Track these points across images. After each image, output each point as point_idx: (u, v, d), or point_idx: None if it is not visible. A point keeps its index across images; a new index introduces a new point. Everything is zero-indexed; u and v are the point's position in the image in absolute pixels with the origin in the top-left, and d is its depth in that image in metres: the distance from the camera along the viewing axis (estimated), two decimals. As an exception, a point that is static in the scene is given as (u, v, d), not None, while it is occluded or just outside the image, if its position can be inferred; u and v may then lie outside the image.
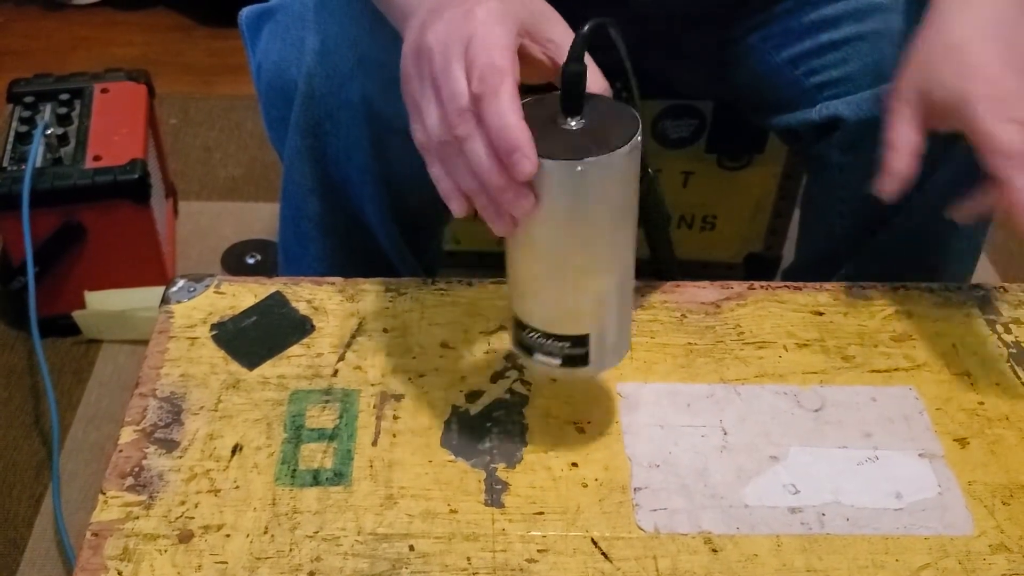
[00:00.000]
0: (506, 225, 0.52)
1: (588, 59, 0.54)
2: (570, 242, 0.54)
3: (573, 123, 0.52)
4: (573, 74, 0.52)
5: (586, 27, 0.52)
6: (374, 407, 0.64)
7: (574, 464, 0.62)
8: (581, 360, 0.58)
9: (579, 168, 0.50)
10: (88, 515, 0.58)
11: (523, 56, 0.54)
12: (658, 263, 0.73)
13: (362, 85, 0.71)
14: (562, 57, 0.53)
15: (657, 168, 1.18)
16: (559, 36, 0.56)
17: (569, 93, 0.52)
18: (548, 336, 0.57)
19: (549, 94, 0.54)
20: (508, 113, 0.49)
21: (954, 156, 0.74)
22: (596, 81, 0.55)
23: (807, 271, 0.76)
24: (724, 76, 0.94)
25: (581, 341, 0.57)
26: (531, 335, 0.57)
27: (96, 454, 1.13)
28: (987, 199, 0.65)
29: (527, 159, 0.49)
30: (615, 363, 0.60)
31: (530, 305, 0.57)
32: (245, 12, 0.78)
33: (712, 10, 0.88)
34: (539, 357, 0.58)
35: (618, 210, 0.54)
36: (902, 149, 0.66)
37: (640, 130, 0.52)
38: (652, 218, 0.70)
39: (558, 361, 0.58)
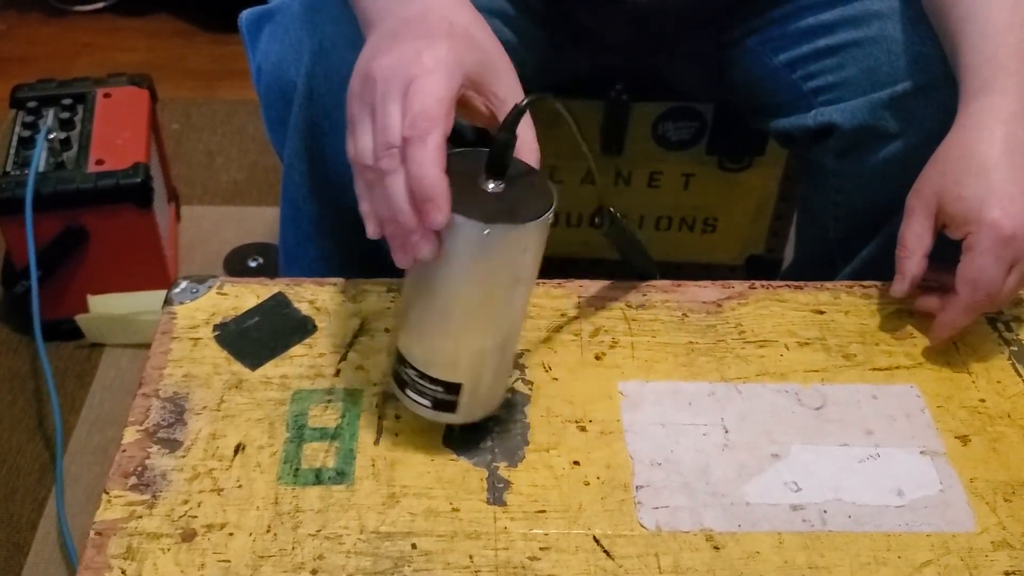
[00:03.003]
0: (407, 260, 0.54)
1: (527, 127, 0.56)
2: (464, 296, 0.56)
3: (492, 186, 0.54)
4: (501, 142, 0.54)
5: (524, 100, 0.54)
6: (376, 406, 0.64)
7: (576, 462, 0.62)
8: (450, 407, 0.60)
9: (486, 232, 0.52)
10: (91, 518, 0.58)
11: (466, 104, 0.56)
12: (637, 269, 0.74)
13: (360, 86, 0.71)
14: (503, 114, 0.55)
15: (657, 171, 1.19)
16: (504, 91, 0.57)
17: (495, 158, 0.54)
18: (423, 376, 0.59)
19: (481, 150, 0.55)
20: (430, 163, 0.51)
21: None
22: (529, 151, 0.57)
23: (804, 275, 0.76)
24: (722, 78, 0.94)
25: (454, 389, 0.59)
26: (408, 371, 0.59)
27: (99, 457, 1.13)
28: (932, 300, 0.70)
29: (439, 211, 0.51)
30: (481, 416, 0.62)
31: (413, 343, 0.59)
32: (245, 14, 0.78)
33: (709, 12, 0.88)
34: (411, 394, 0.60)
35: (515, 278, 0.56)
36: (915, 252, 0.68)
37: (553, 208, 0.54)
38: (632, 259, 0.73)
39: (428, 403, 0.60)
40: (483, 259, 0.54)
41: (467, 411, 0.60)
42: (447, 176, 0.51)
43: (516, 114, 0.54)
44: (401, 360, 0.60)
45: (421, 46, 0.53)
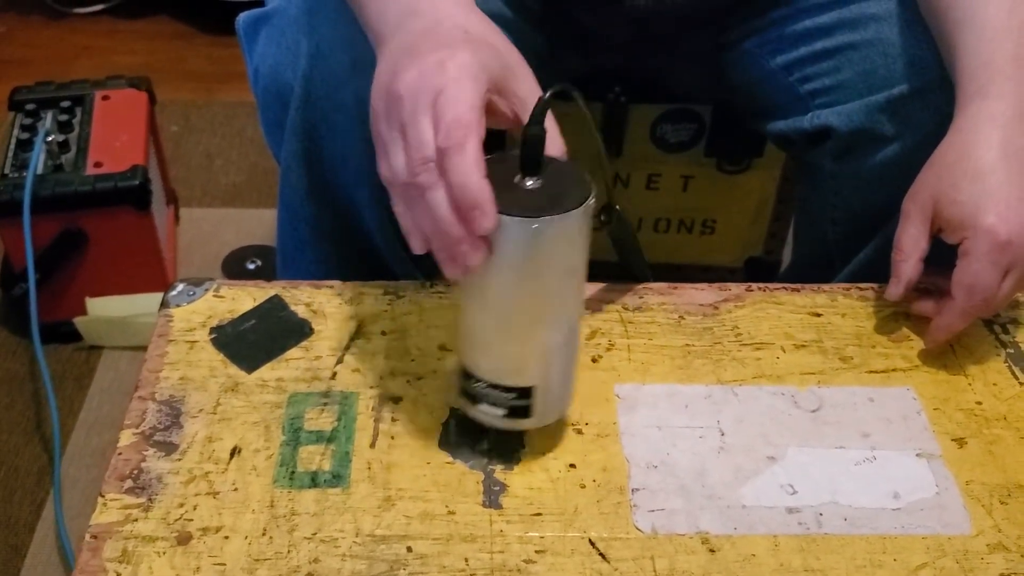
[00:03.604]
0: (458, 271, 0.54)
1: (550, 120, 0.56)
2: (520, 295, 0.56)
3: (530, 183, 0.54)
4: (533, 137, 0.54)
5: (548, 93, 0.54)
6: (372, 409, 0.64)
7: (572, 465, 0.62)
8: (524, 412, 0.60)
9: (535, 226, 0.52)
10: (89, 520, 0.58)
11: (489, 109, 0.56)
12: (631, 270, 0.74)
13: (357, 88, 0.71)
14: (526, 114, 0.55)
15: (655, 172, 1.19)
16: (525, 92, 0.57)
17: (528, 154, 0.54)
18: (494, 387, 0.59)
19: (511, 152, 0.55)
20: (471, 170, 0.50)
21: None
22: (555, 144, 0.57)
23: (802, 277, 0.77)
24: (720, 80, 0.94)
25: (526, 393, 0.59)
26: (477, 385, 0.59)
27: (97, 460, 1.13)
28: (927, 304, 0.70)
29: (486, 216, 0.51)
30: (557, 417, 0.62)
31: (478, 355, 0.59)
32: (242, 17, 0.78)
33: (707, 13, 0.88)
34: (483, 407, 0.60)
35: (568, 267, 0.56)
36: (911, 255, 0.68)
37: (594, 193, 0.55)
38: (629, 260, 0.73)
39: (502, 412, 0.60)
40: (535, 255, 0.54)
41: (542, 413, 0.60)
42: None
43: (543, 107, 0.54)
44: (468, 376, 0.60)
45: (443, 56, 0.53)
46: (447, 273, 0.54)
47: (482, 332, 0.58)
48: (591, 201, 0.54)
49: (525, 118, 0.55)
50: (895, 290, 0.69)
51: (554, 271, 0.56)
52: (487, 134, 0.53)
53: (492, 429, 0.62)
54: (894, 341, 0.71)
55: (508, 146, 0.58)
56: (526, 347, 0.58)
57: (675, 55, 0.94)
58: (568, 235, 0.55)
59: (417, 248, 0.55)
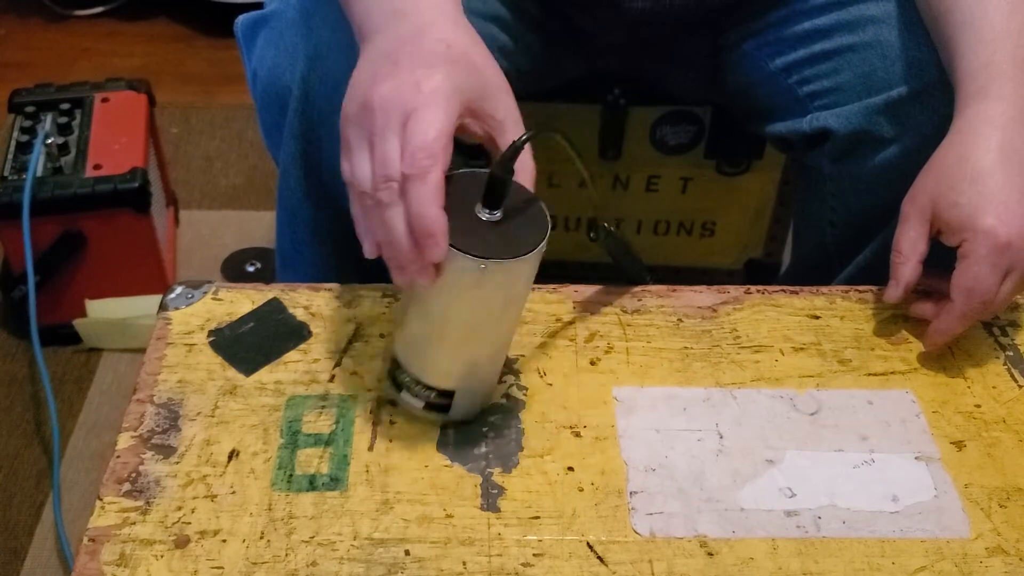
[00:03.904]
0: (404, 283, 0.56)
1: (525, 151, 0.57)
2: (459, 319, 0.58)
3: (488, 215, 0.56)
4: (498, 180, 0.55)
5: (521, 138, 0.55)
6: (370, 412, 0.64)
7: (570, 468, 0.62)
8: (443, 409, 0.62)
9: (482, 266, 0.54)
10: (87, 523, 0.58)
11: (463, 129, 0.57)
12: (630, 276, 0.74)
13: (355, 90, 0.71)
14: (500, 135, 0.57)
15: (655, 174, 1.19)
16: (502, 114, 0.58)
17: (492, 192, 0.55)
18: (418, 383, 0.61)
19: (478, 171, 0.57)
20: (430, 201, 0.52)
21: None
22: (526, 172, 0.58)
23: (801, 279, 0.76)
24: (719, 82, 0.94)
25: (447, 394, 0.61)
26: (404, 376, 0.62)
27: (97, 462, 1.13)
28: (926, 306, 0.70)
29: (438, 246, 0.52)
30: (473, 415, 0.64)
31: (410, 353, 0.61)
32: (241, 20, 0.78)
33: (704, 15, 0.88)
34: (405, 396, 0.62)
35: (510, 301, 0.58)
36: (910, 258, 0.68)
37: (547, 237, 0.56)
38: (625, 267, 0.73)
39: (421, 404, 0.62)
40: (478, 288, 0.56)
41: (460, 411, 0.63)
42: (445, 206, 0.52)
43: (513, 151, 0.55)
44: (397, 364, 0.62)
45: (419, 76, 0.54)
46: (395, 282, 0.56)
47: (416, 335, 0.60)
48: (542, 247, 0.56)
49: (499, 138, 0.57)
50: (894, 292, 0.68)
51: (495, 304, 0.57)
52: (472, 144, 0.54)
53: (490, 432, 0.63)
54: (893, 344, 0.71)
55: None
56: (454, 358, 0.60)
57: (673, 57, 0.94)
58: (514, 277, 0.56)
59: (369, 252, 0.56)
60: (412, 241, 0.53)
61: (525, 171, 0.58)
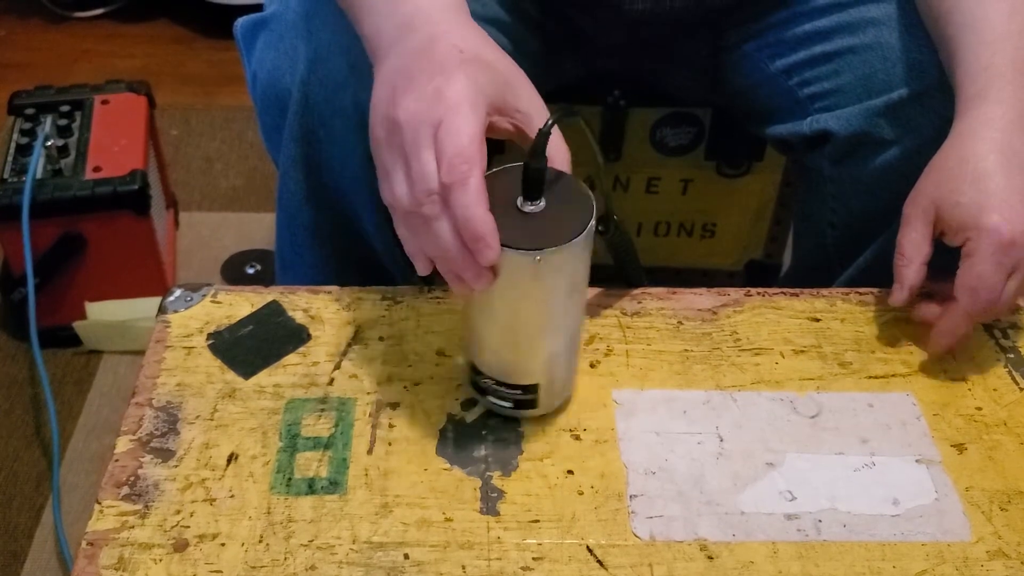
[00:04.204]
0: (465, 293, 0.56)
1: (555, 133, 0.57)
2: (525, 313, 0.58)
3: (532, 207, 0.56)
4: (535, 170, 0.55)
5: (549, 121, 0.55)
6: (370, 415, 0.64)
7: (570, 471, 0.62)
8: (530, 405, 0.63)
9: (538, 258, 0.54)
10: (86, 526, 0.58)
11: (492, 128, 0.56)
12: (628, 277, 0.73)
13: (355, 93, 0.71)
14: (528, 126, 0.56)
15: (655, 176, 1.19)
16: (526, 105, 0.58)
17: (530, 183, 0.55)
18: (501, 384, 0.62)
19: (513, 165, 0.56)
20: (475, 205, 0.51)
21: None
22: (560, 156, 0.58)
23: (802, 281, 0.76)
24: (719, 83, 0.94)
25: (531, 389, 0.62)
26: (486, 381, 0.62)
27: (97, 465, 1.13)
28: (930, 309, 0.69)
29: (490, 248, 0.52)
30: (560, 403, 0.65)
31: (485, 357, 0.61)
32: (240, 22, 0.78)
33: (705, 17, 0.88)
34: (491, 399, 0.63)
35: (571, 286, 0.58)
36: (914, 260, 0.67)
37: (595, 214, 0.56)
38: (626, 266, 0.73)
39: (510, 404, 0.63)
40: (538, 281, 0.56)
41: (547, 404, 0.63)
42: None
43: (543, 138, 0.54)
44: (476, 371, 0.63)
45: (439, 83, 0.53)
46: (454, 291, 0.56)
47: (488, 339, 0.60)
48: (592, 223, 0.55)
49: (528, 129, 0.56)
50: (899, 295, 0.68)
51: (558, 293, 0.57)
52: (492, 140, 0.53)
53: (490, 435, 0.63)
54: (893, 346, 0.70)
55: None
56: (530, 354, 0.60)
57: (673, 58, 0.93)
58: (571, 261, 0.56)
59: (422, 270, 0.56)
60: (464, 248, 0.52)
61: (559, 155, 0.58)
